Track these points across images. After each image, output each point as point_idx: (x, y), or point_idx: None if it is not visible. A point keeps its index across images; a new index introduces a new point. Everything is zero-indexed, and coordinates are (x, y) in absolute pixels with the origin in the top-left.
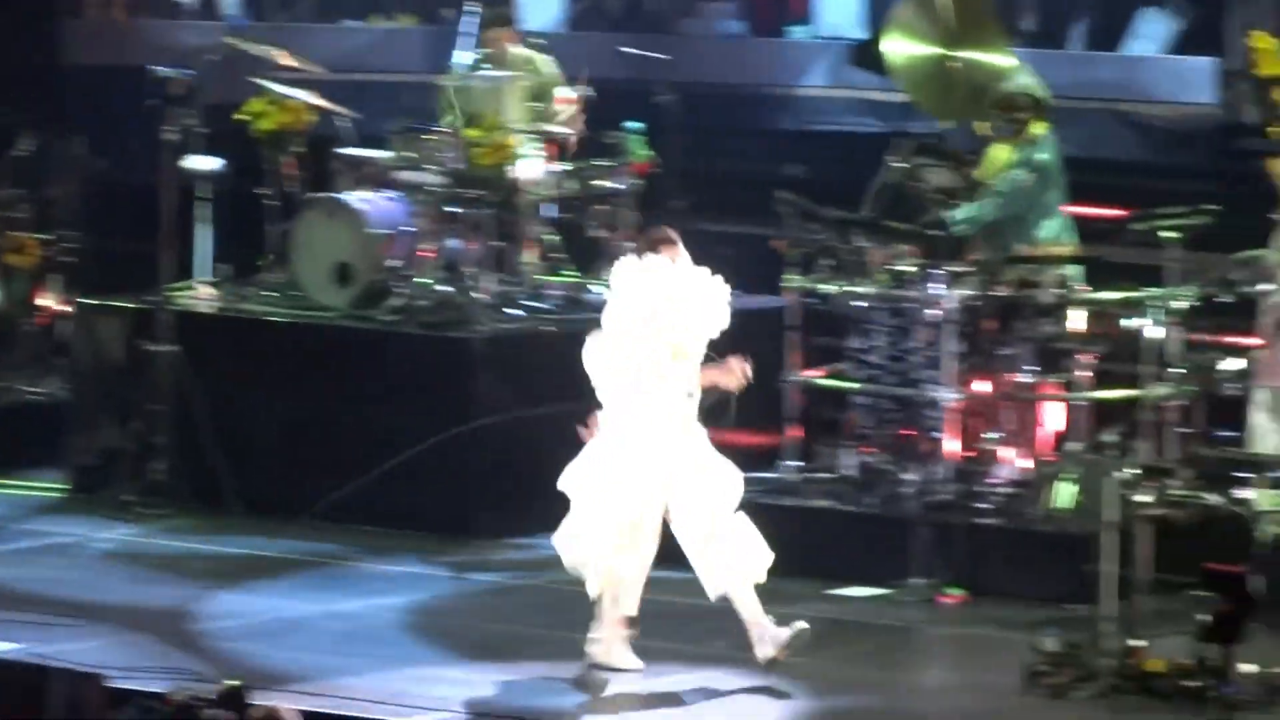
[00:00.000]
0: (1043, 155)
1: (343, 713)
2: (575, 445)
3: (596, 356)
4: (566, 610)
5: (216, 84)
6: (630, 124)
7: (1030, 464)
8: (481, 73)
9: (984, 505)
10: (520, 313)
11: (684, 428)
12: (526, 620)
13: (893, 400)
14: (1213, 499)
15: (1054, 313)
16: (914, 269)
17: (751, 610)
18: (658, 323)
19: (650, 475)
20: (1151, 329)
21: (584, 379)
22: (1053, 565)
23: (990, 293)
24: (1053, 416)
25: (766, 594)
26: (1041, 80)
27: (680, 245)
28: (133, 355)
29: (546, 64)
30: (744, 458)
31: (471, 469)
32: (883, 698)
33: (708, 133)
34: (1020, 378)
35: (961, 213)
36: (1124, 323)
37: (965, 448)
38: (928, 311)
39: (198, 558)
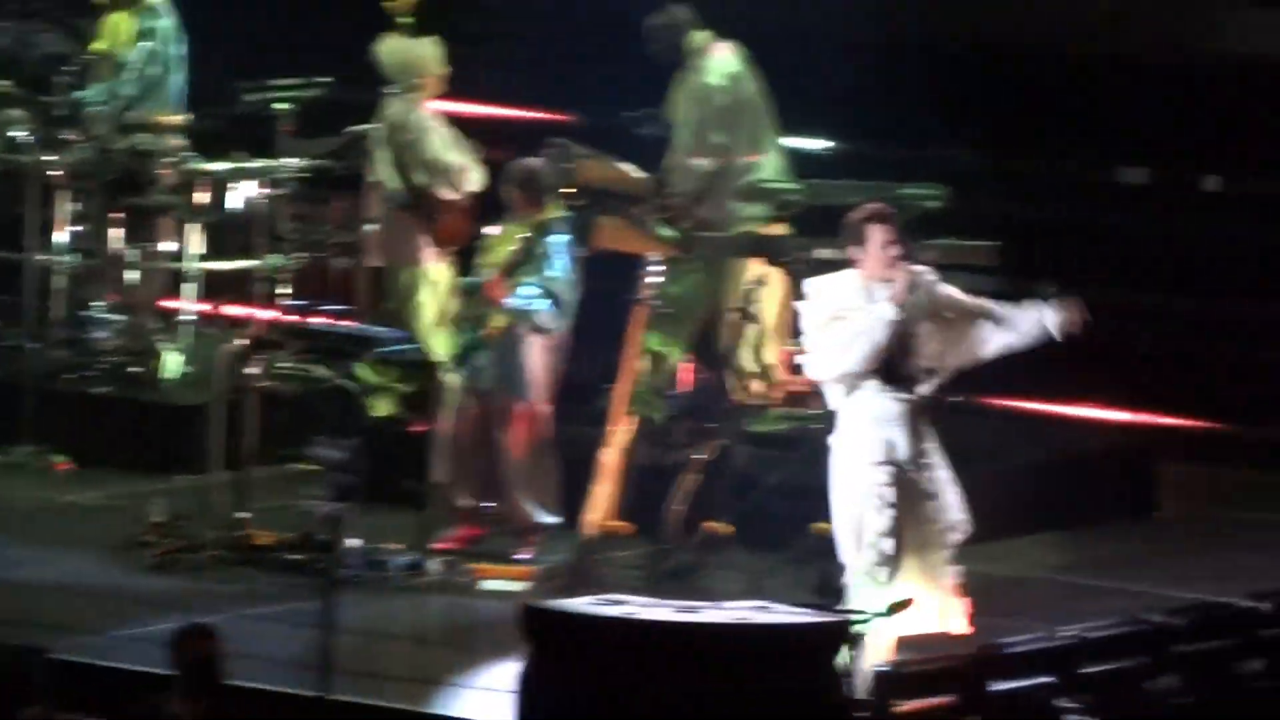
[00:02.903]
0: (162, 22)
1: None
2: None
3: None
4: None
5: None
6: None
7: (140, 333)
8: None
9: (92, 373)
10: None
11: None
12: None
13: None
14: (321, 373)
15: (166, 181)
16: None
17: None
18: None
19: None
20: (261, 200)
21: None
22: (161, 435)
23: (104, 160)
24: (166, 286)
25: None
26: None
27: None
28: None
29: None
30: None
31: None
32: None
33: None
34: (127, 248)
35: (94, 93)
36: (233, 192)
37: (73, 314)
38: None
39: None
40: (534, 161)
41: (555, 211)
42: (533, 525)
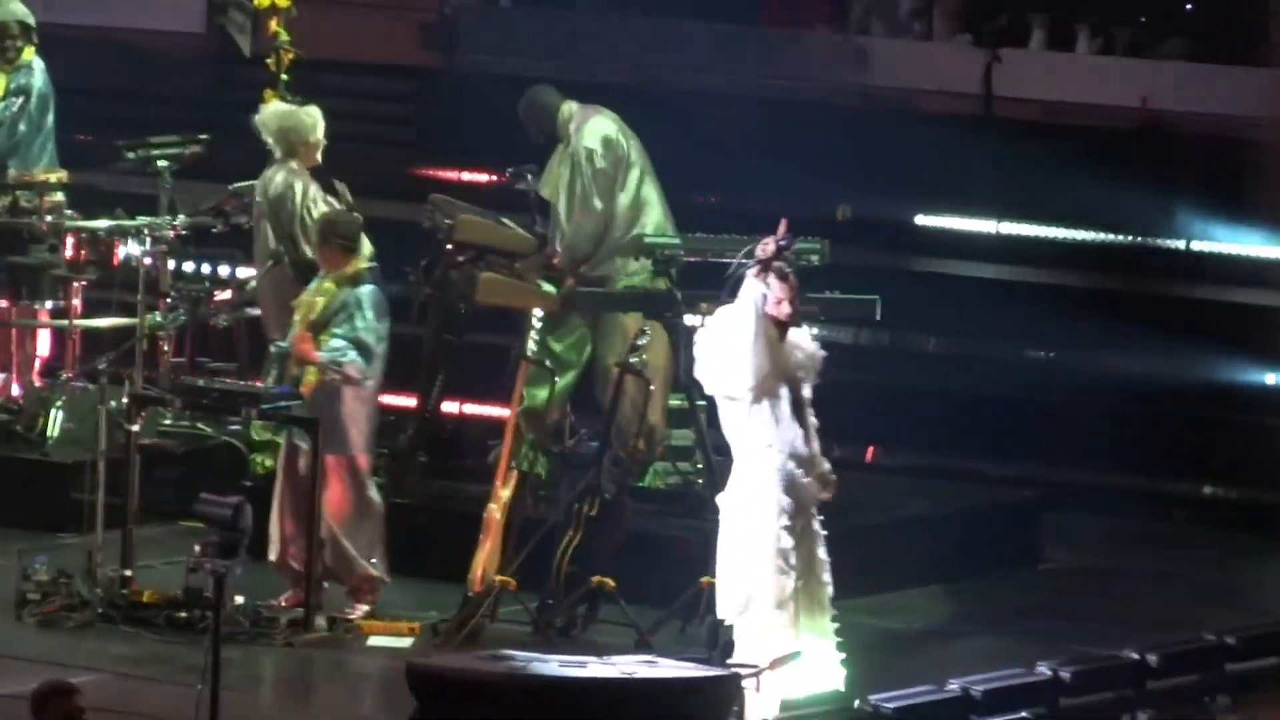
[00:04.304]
0: (35, 81)
1: None
2: None
3: None
4: None
5: None
6: None
7: (21, 391)
8: None
9: None
10: None
11: None
12: None
13: None
14: (206, 429)
15: (45, 239)
16: None
17: None
18: None
19: None
20: (142, 257)
21: None
22: (44, 493)
23: None
24: (43, 343)
25: None
26: (29, 6)
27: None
28: None
29: None
30: None
31: None
32: None
33: None
34: (10, 304)
35: None
36: (118, 250)
37: None
38: None
39: None
40: (331, 213)
41: (363, 263)
42: (364, 578)
